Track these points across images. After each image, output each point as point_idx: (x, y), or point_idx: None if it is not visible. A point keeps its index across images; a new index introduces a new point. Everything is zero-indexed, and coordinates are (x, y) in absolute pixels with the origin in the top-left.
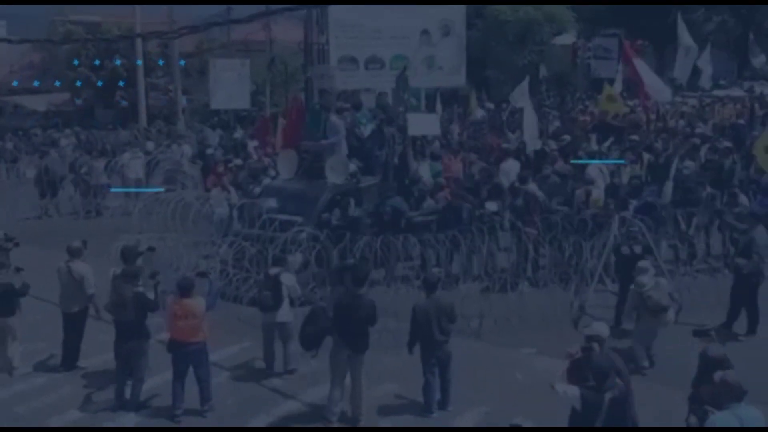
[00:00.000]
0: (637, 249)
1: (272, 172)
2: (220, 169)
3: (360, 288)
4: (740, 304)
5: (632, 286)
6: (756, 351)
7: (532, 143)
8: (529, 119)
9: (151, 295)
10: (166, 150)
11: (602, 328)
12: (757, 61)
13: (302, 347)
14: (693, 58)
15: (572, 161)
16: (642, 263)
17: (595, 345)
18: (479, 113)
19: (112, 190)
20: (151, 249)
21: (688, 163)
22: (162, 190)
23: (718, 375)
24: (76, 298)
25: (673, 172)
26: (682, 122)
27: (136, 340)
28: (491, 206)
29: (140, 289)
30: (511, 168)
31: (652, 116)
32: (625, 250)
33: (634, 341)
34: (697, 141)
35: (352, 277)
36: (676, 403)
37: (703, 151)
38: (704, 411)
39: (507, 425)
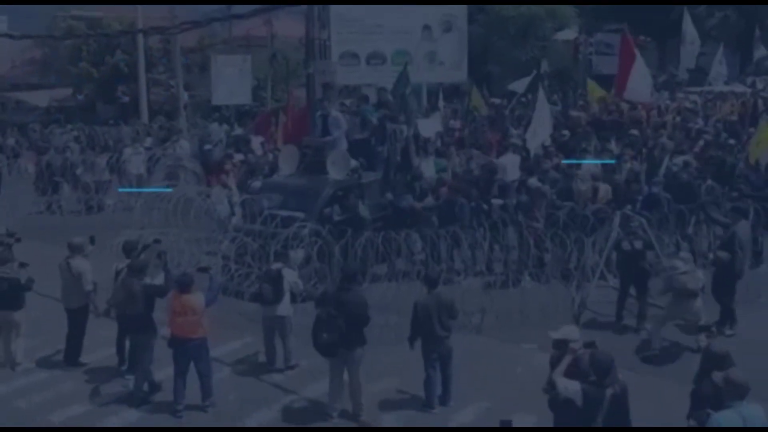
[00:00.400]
0: (638, 244)
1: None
2: (228, 165)
3: (349, 285)
4: (726, 299)
5: (667, 269)
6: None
7: (543, 137)
8: (541, 113)
9: (158, 281)
10: (173, 145)
11: (571, 332)
12: (759, 53)
13: (321, 355)
14: (696, 50)
15: (563, 161)
16: (683, 254)
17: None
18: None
19: (121, 190)
20: (157, 241)
21: (677, 159)
22: (170, 190)
23: (717, 376)
24: (76, 294)
25: (663, 169)
26: (678, 118)
27: (143, 333)
28: (497, 201)
29: (147, 280)
30: (509, 162)
31: (653, 112)
32: (625, 245)
33: (652, 325)
34: (709, 137)
35: (341, 274)
36: (678, 398)
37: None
38: (706, 414)
39: (505, 420)
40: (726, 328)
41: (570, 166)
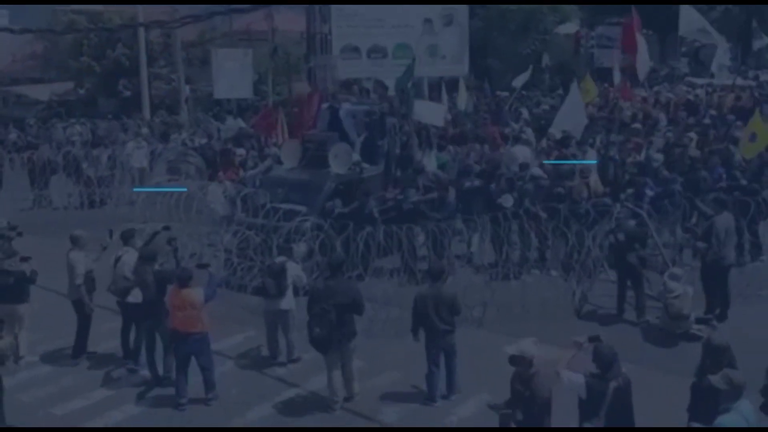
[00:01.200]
0: (620, 236)
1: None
2: (238, 159)
3: (336, 275)
4: (712, 291)
5: (662, 286)
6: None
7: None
8: (573, 103)
9: (168, 266)
10: (187, 140)
11: (527, 347)
12: (759, 43)
13: (317, 350)
14: (726, 48)
15: (544, 161)
16: (675, 270)
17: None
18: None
19: (135, 189)
20: (166, 228)
21: (657, 155)
22: (185, 189)
23: (714, 378)
24: (74, 287)
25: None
26: (662, 114)
27: (156, 319)
28: (507, 201)
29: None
30: (520, 153)
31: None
32: (611, 238)
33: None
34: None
35: (328, 265)
36: (680, 391)
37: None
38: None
39: (504, 413)
40: (713, 320)
41: (554, 166)
